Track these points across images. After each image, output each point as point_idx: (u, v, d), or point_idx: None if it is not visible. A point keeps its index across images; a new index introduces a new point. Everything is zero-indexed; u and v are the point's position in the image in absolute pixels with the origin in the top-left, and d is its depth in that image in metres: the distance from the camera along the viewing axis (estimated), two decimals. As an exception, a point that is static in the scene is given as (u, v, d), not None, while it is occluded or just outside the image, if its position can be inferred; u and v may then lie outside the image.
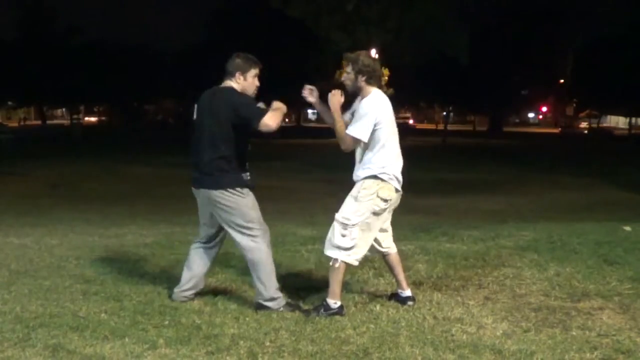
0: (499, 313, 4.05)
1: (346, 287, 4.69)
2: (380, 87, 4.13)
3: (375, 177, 3.99)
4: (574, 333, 3.68)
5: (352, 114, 4.10)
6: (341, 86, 4.20)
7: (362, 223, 3.97)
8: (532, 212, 11.73)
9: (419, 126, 63.51)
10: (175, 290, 4.36)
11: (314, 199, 13.74)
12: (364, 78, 4.02)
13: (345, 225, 3.95)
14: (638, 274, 4.93)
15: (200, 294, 4.36)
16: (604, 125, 65.50)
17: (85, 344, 3.50)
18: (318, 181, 18.16)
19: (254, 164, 4.22)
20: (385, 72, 27.94)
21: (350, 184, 4.15)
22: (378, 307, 4.15)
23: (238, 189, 4.04)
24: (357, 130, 3.95)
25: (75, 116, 61.29)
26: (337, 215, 4.00)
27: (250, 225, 4.08)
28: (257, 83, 4.16)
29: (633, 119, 60.29)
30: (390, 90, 28.33)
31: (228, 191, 4.03)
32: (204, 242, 4.35)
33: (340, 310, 3.98)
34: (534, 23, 48.21)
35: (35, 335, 3.62)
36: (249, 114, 3.95)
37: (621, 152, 33.09)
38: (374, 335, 3.63)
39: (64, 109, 74.67)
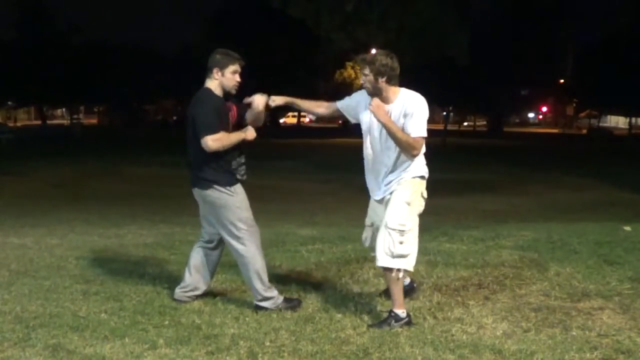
0: (499, 313, 4.05)
1: (346, 287, 4.70)
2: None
3: (422, 177, 3.98)
4: (574, 333, 3.68)
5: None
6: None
7: (415, 226, 3.89)
8: (532, 212, 11.72)
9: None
10: (177, 289, 4.36)
11: (314, 199, 13.73)
12: (384, 79, 3.87)
13: (402, 232, 3.80)
14: (638, 274, 4.92)
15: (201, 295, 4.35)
16: (604, 125, 65.53)
17: (85, 344, 3.50)
18: (318, 181, 18.15)
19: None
20: (386, 72, 28.04)
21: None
22: (378, 307, 4.15)
23: (227, 187, 4.03)
24: (422, 128, 3.85)
25: (75, 116, 61.29)
26: (391, 223, 3.81)
27: (238, 224, 4.05)
28: (237, 79, 4.08)
29: (633, 119, 60.30)
30: (390, 90, 28.43)
31: (216, 189, 4.03)
32: (205, 242, 4.35)
33: (409, 319, 3.84)
34: (534, 23, 48.20)
35: (35, 335, 3.62)
36: (199, 127, 3.92)
37: (621, 152, 33.07)
38: (374, 335, 3.63)
39: (64, 109, 74.65)
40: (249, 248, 4.08)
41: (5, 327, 3.76)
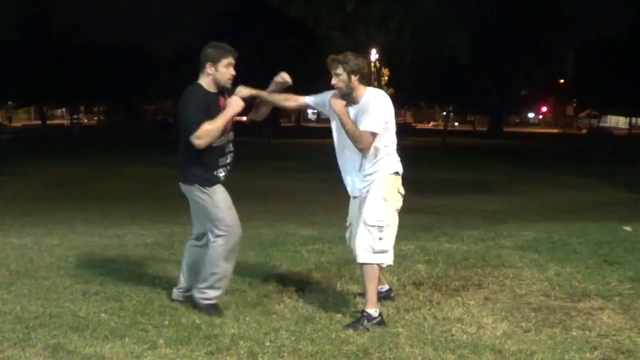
0: (499, 313, 4.05)
1: (346, 287, 4.70)
2: (371, 85, 4.15)
3: (396, 173, 3.99)
4: (574, 333, 3.68)
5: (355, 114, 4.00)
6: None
7: (393, 222, 3.95)
8: (532, 212, 11.71)
9: (420, 126, 63.59)
10: (174, 289, 4.36)
11: (314, 199, 13.72)
12: (357, 77, 3.95)
13: (381, 228, 3.86)
14: (638, 274, 4.93)
15: None
16: (604, 125, 65.54)
17: (85, 344, 3.50)
18: (318, 181, 18.12)
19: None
20: (385, 72, 27.98)
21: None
22: (378, 307, 4.14)
23: (207, 187, 4.01)
24: (372, 123, 3.87)
25: (75, 116, 61.26)
26: (369, 220, 3.86)
27: (216, 223, 4.03)
28: (232, 72, 3.99)
29: (633, 119, 60.33)
30: (390, 90, 28.41)
31: (196, 187, 4.02)
32: (195, 239, 4.31)
33: (382, 319, 3.85)
34: (534, 23, 48.23)
35: (35, 335, 3.62)
36: (186, 124, 3.88)
37: (621, 152, 33.07)
38: (374, 335, 3.63)
39: (64, 109, 74.65)
40: (219, 249, 4.03)
41: (5, 327, 3.75)
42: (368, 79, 4.09)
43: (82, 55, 52.13)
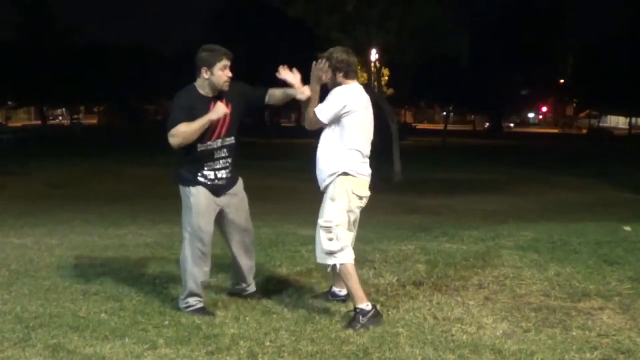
0: (499, 313, 4.05)
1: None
2: (358, 81, 4.15)
3: (344, 174, 3.93)
4: (574, 333, 3.68)
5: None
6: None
7: (343, 222, 3.92)
8: (532, 212, 11.72)
9: (420, 126, 63.59)
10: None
11: (314, 199, 13.69)
12: (341, 74, 4.01)
13: (329, 229, 3.89)
14: (638, 274, 4.92)
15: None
16: (604, 125, 65.54)
17: (85, 344, 3.50)
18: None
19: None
20: (385, 72, 27.94)
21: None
22: (378, 307, 4.14)
23: (190, 188, 4.07)
24: (321, 110, 3.93)
25: (75, 116, 61.23)
26: (320, 221, 3.94)
27: (185, 224, 4.12)
28: (228, 74, 4.01)
29: (633, 119, 60.32)
30: (390, 90, 28.37)
31: (180, 187, 4.12)
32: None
33: (377, 310, 3.87)
34: (534, 23, 48.20)
35: (35, 335, 3.62)
36: (168, 123, 3.94)
37: (621, 152, 33.08)
38: (374, 335, 3.63)
39: (64, 109, 74.63)
40: (185, 252, 4.11)
41: (5, 327, 3.76)
42: (356, 75, 4.11)
43: (82, 55, 52.09)
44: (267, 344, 3.51)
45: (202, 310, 4.07)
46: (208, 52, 4.01)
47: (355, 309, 3.85)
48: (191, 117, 3.90)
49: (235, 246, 4.30)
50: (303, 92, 4.05)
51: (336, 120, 3.94)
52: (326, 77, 4.03)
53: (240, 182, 4.29)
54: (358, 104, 3.98)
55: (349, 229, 3.98)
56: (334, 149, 3.96)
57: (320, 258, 3.96)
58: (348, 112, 3.92)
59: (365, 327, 3.73)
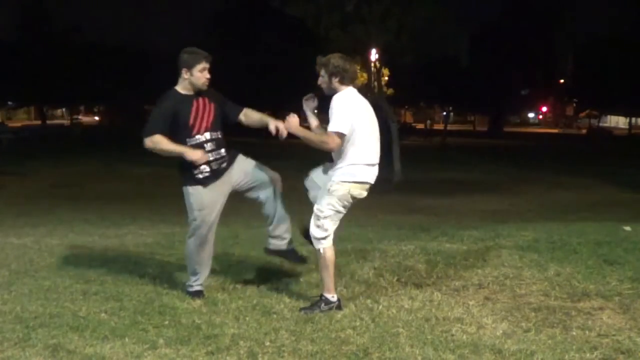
0: (499, 313, 4.05)
1: (346, 287, 4.69)
2: (355, 86, 4.22)
3: (343, 182, 4.07)
4: (574, 333, 3.68)
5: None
6: None
7: (332, 216, 4.09)
8: (532, 212, 11.73)
9: (419, 126, 63.63)
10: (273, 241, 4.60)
11: (314, 199, 13.73)
12: (337, 79, 4.08)
13: (318, 217, 4.09)
14: (638, 274, 4.92)
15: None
16: (604, 125, 65.55)
17: (85, 344, 3.50)
18: (318, 181, 18.13)
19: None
20: (385, 72, 27.93)
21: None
22: (378, 307, 4.15)
23: (188, 186, 4.25)
24: (336, 124, 3.97)
25: (75, 116, 61.22)
26: (315, 206, 4.16)
27: (190, 221, 4.30)
28: (206, 76, 4.22)
29: (633, 119, 60.33)
30: (390, 90, 28.37)
31: (182, 186, 4.29)
32: (258, 203, 4.55)
33: (339, 304, 4.07)
34: (533, 23, 48.24)
35: (35, 335, 3.62)
36: (146, 125, 4.17)
37: (621, 152, 33.08)
38: (374, 335, 3.63)
39: (64, 109, 74.63)
40: (190, 245, 4.35)
41: (5, 327, 3.76)
42: (352, 81, 4.17)
43: (82, 55, 52.08)
44: (267, 344, 3.51)
45: (198, 294, 4.32)
46: (189, 54, 4.25)
47: (321, 295, 4.08)
48: (177, 119, 4.14)
49: (269, 203, 4.58)
50: (282, 134, 4.29)
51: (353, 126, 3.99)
52: (323, 83, 4.12)
53: (238, 155, 4.48)
54: (358, 104, 4.10)
55: (335, 223, 4.16)
56: (347, 149, 4.06)
57: (313, 241, 4.15)
58: (355, 112, 4.01)
59: (320, 310, 3.96)
